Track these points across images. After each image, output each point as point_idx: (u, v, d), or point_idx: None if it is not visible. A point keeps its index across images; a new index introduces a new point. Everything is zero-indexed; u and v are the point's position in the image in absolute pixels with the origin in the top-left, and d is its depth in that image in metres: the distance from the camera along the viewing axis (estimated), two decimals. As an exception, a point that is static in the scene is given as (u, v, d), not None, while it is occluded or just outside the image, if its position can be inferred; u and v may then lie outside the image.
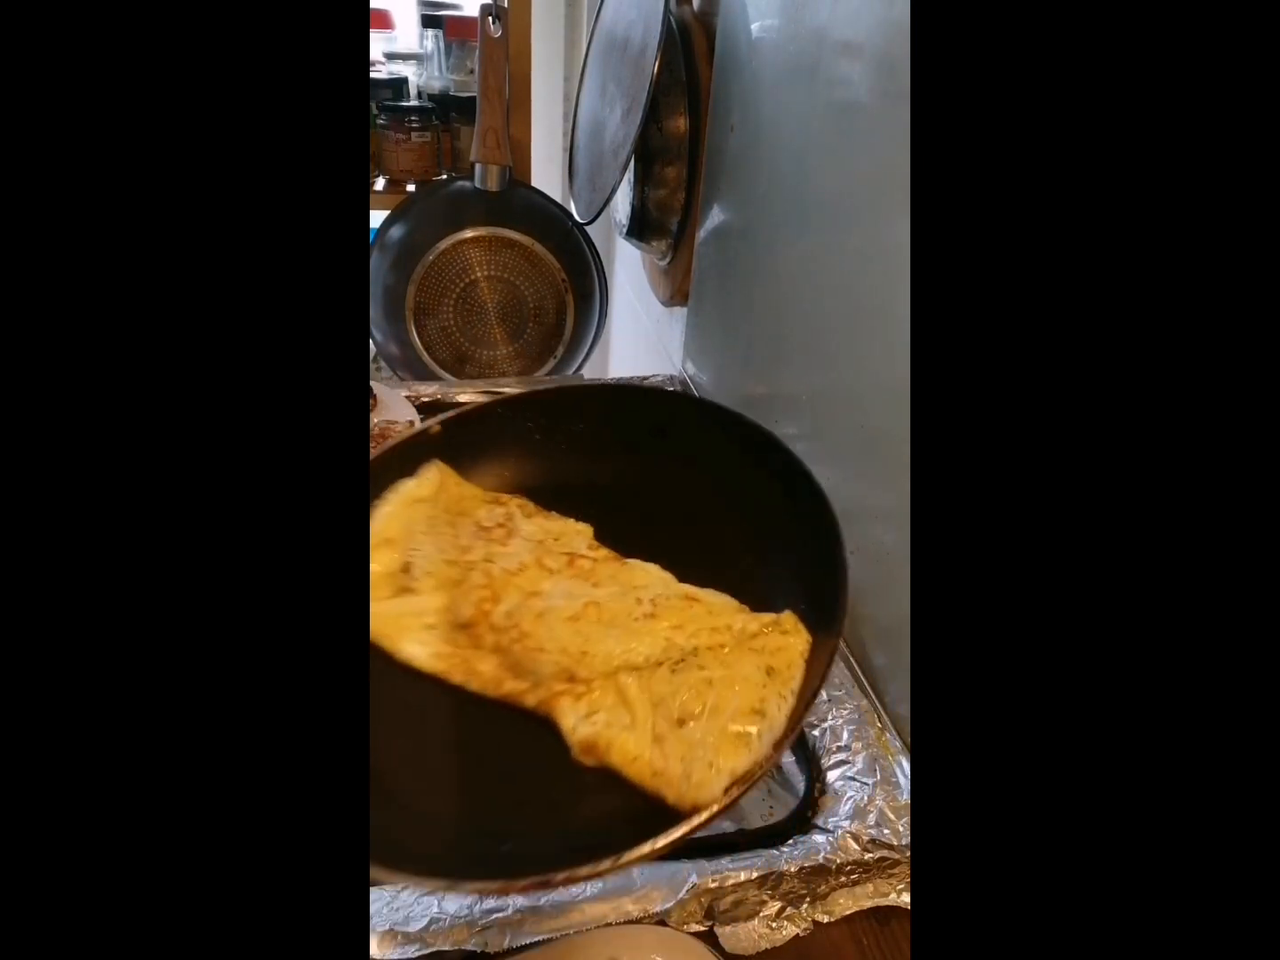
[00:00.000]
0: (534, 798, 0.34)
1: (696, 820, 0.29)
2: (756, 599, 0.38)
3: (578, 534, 0.42)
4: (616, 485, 0.44)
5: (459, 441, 0.44)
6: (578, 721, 0.34)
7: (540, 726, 0.36)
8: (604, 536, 0.43)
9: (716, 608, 0.38)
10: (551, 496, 0.45)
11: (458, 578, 0.39)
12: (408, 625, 0.38)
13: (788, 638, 0.36)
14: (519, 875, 0.28)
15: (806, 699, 0.32)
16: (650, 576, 0.40)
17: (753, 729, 0.32)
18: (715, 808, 0.30)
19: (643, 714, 0.34)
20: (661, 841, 0.28)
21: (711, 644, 0.36)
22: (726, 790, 0.30)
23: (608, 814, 0.32)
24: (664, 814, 0.31)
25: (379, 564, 0.40)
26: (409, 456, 0.43)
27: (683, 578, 0.40)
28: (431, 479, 0.43)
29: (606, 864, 0.28)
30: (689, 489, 0.43)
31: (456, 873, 0.28)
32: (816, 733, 0.52)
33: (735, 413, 0.44)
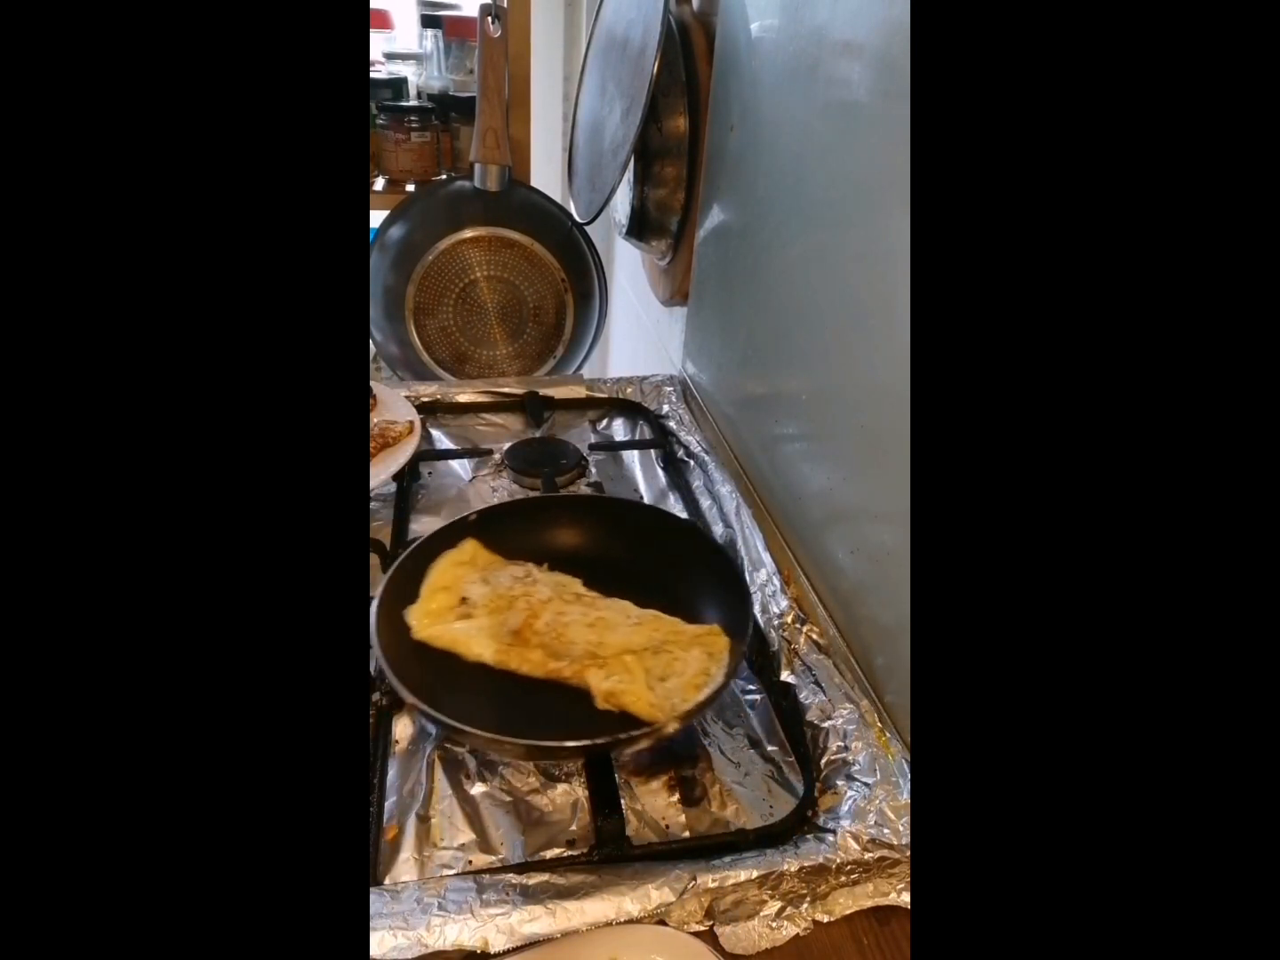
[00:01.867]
0: (572, 728, 0.50)
1: (678, 724, 0.51)
2: (693, 617, 0.61)
3: (574, 582, 0.64)
4: (592, 553, 0.67)
5: (487, 525, 0.66)
6: (601, 681, 0.54)
7: (574, 692, 0.55)
8: (590, 584, 0.64)
9: (672, 622, 0.60)
10: (551, 560, 0.66)
11: (504, 606, 0.60)
12: (474, 636, 0.58)
13: (718, 638, 0.58)
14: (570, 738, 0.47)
15: (732, 670, 0.54)
16: (626, 605, 0.61)
17: (704, 682, 0.54)
18: (688, 710, 0.51)
19: (640, 675, 0.54)
20: (656, 726, 0.49)
21: (673, 640, 0.58)
22: (691, 710, 0.51)
23: (621, 731, 0.50)
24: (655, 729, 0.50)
25: (444, 601, 0.60)
26: (453, 534, 0.65)
27: (644, 607, 0.61)
28: (467, 549, 0.65)
29: (625, 735, 0.48)
30: (642, 554, 0.66)
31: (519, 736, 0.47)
32: (816, 732, 0.52)
33: (668, 512, 0.74)
